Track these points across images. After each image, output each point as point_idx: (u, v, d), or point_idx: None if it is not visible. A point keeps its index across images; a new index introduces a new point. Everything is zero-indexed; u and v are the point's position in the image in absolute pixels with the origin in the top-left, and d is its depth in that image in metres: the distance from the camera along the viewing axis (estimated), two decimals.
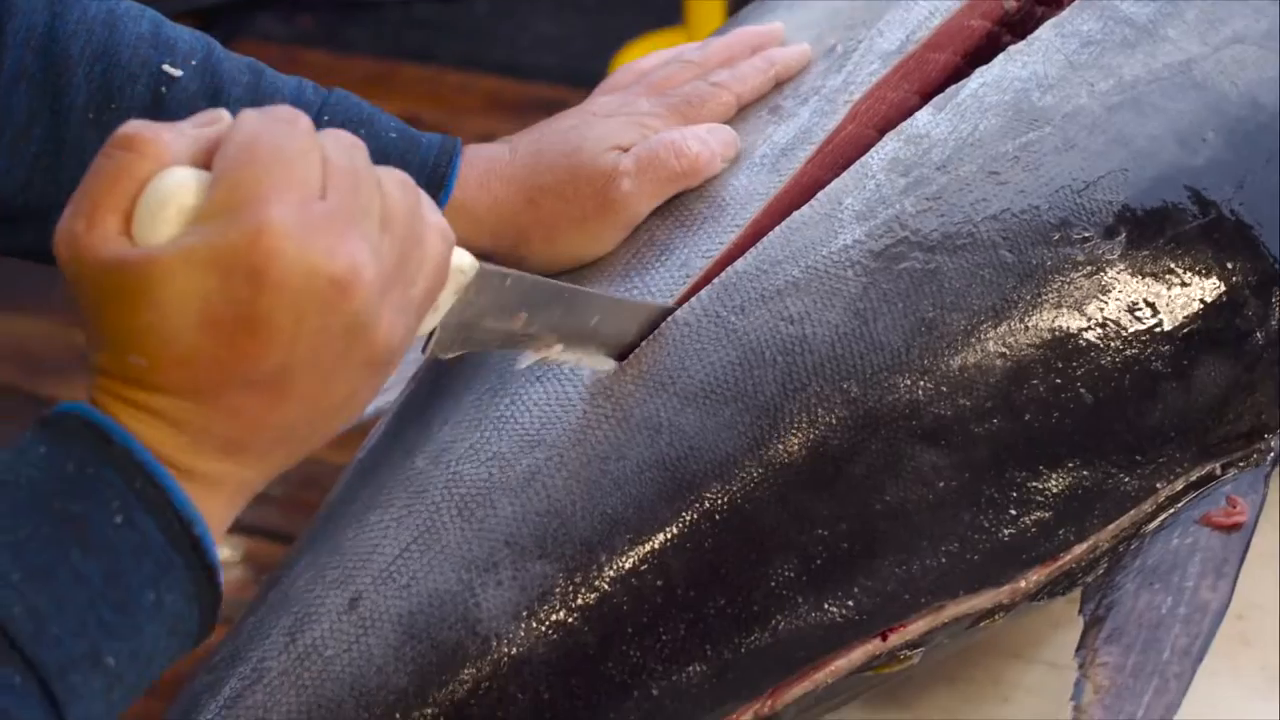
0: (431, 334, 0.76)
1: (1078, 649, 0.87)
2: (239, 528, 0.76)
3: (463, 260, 0.75)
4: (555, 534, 0.85)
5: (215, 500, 0.68)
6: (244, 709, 0.84)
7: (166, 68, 0.89)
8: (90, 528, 0.65)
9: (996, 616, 0.91)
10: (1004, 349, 0.89)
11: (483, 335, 0.79)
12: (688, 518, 0.85)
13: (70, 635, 0.63)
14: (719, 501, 0.85)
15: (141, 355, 0.65)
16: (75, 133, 0.88)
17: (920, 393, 0.88)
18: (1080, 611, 0.90)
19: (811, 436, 0.86)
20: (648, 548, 0.85)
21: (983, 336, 0.89)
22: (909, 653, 0.89)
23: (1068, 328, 0.90)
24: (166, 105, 0.89)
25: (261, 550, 1.84)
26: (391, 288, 0.69)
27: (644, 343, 0.89)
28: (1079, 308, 0.91)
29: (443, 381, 0.94)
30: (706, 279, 0.91)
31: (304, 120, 0.68)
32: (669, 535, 0.85)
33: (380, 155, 0.91)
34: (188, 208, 0.66)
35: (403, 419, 0.94)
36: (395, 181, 0.70)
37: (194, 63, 0.90)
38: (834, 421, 0.87)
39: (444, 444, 0.89)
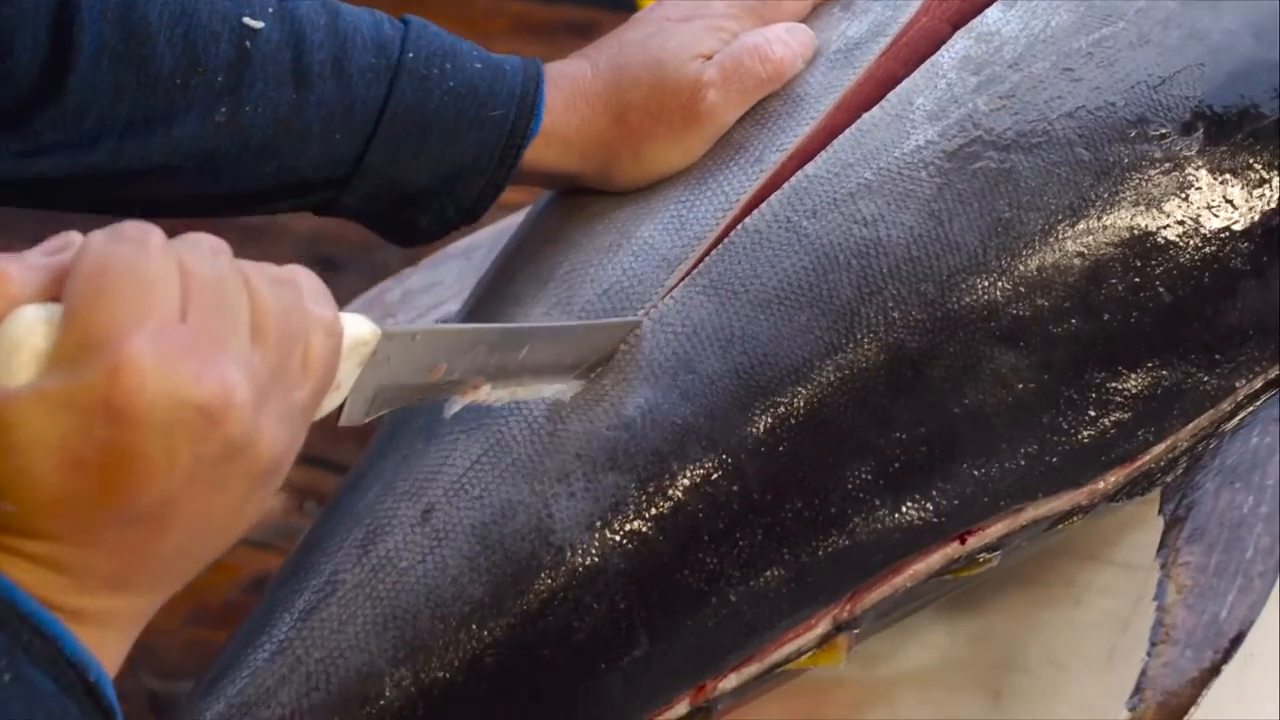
0: (341, 406, 0.73)
1: (1159, 549, 0.86)
2: None
3: (361, 331, 0.71)
4: (626, 446, 0.84)
5: (108, 636, 0.65)
6: (319, 621, 0.83)
7: (247, 20, 0.86)
8: None
9: (1074, 518, 0.90)
10: (1081, 248, 0.88)
11: (399, 394, 0.76)
12: (763, 424, 0.84)
13: None
14: (795, 407, 0.84)
15: (10, 501, 0.62)
16: (164, 101, 0.85)
17: (998, 294, 0.86)
18: (1160, 512, 0.89)
19: (888, 340, 0.85)
20: (722, 455, 0.84)
21: (1060, 236, 0.88)
22: (987, 555, 0.88)
23: (1145, 226, 0.89)
24: (252, 61, 0.86)
25: (301, 476, 1.84)
26: (269, 399, 0.65)
27: (714, 252, 0.87)
28: (1157, 205, 0.89)
29: (509, 285, 0.93)
30: (778, 179, 0.89)
31: (156, 236, 0.63)
32: (744, 442, 0.84)
33: (468, 90, 0.89)
34: (40, 350, 0.61)
35: (474, 321, 0.93)
36: (267, 280, 0.66)
37: (270, 10, 0.87)
38: (911, 324, 0.85)
39: None
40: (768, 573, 0.84)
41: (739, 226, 0.88)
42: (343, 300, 1.16)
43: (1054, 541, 0.96)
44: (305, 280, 0.69)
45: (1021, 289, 0.87)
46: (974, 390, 0.86)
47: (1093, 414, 0.88)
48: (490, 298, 0.94)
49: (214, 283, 0.64)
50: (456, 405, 0.81)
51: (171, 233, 0.65)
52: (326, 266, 2.10)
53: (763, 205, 0.89)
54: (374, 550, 0.84)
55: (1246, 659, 0.83)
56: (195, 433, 0.62)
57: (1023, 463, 0.87)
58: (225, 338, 0.63)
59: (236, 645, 0.85)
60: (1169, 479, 0.91)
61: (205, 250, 0.65)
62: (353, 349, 0.71)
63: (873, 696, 0.92)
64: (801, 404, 0.84)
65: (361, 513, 0.86)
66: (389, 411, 0.77)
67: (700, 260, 0.87)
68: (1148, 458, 0.90)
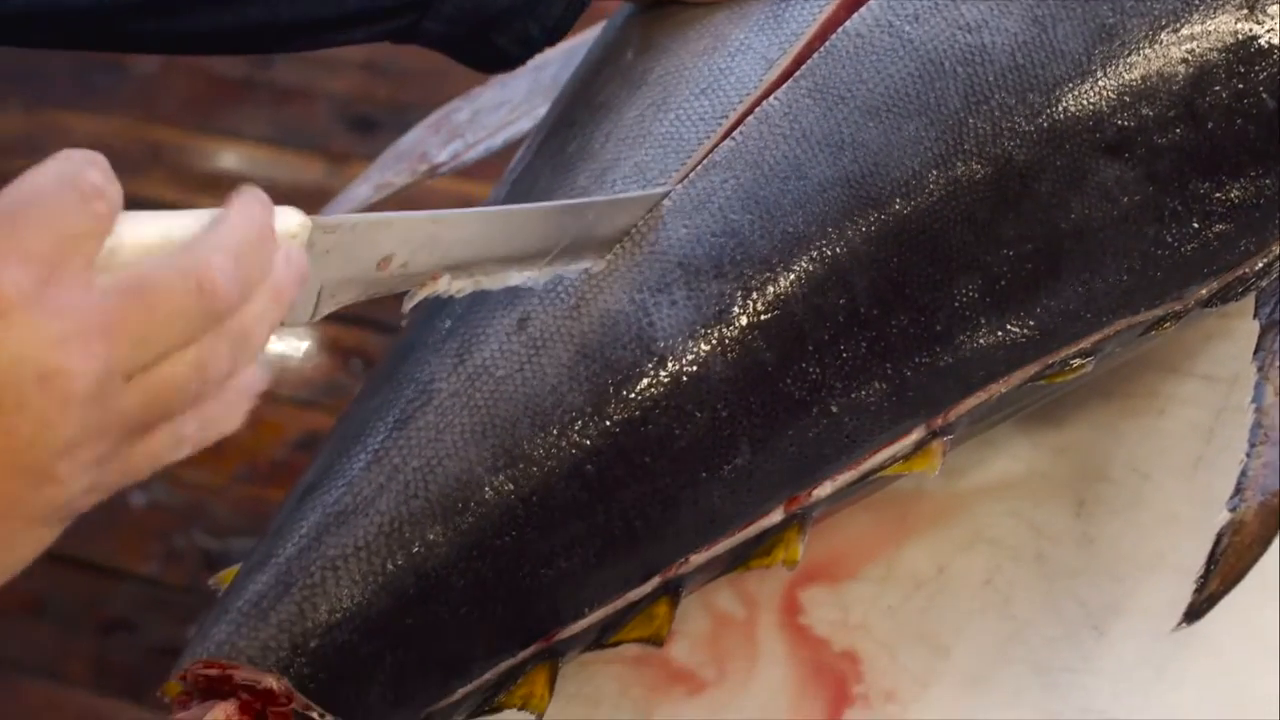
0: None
1: (1255, 352, 0.86)
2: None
3: (289, 224, 0.67)
4: (732, 254, 0.83)
5: None
6: (416, 430, 0.82)
7: None
8: None
9: (1167, 324, 0.90)
10: (1185, 55, 0.86)
11: (346, 290, 0.71)
12: (872, 235, 0.83)
13: None
14: (905, 219, 0.83)
15: None
16: None
17: (1103, 103, 0.85)
18: (1255, 316, 0.88)
19: (997, 152, 0.84)
20: (830, 265, 0.83)
21: (1164, 42, 0.86)
22: (1081, 361, 0.88)
23: (1249, 31, 0.87)
24: None
25: (348, 337, 1.83)
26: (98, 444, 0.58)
27: (816, 56, 0.85)
28: (1261, 8, 0.87)
29: (597, 94, 0.91)
30: None
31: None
32: (853, 252, 0.83)
33: None
34: None
35: (559, 134, 0.92)
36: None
37: None
38: (1018, 135, 0.84)
39: (607, 162, 0.87)
40: (870, 385, 0.84)
41: (839, 30, 0.86)
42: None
43: (1136, 354, 0.95)
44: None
45: (1126, 98, 0.86)
46: (1079, 204, 0.85)
47: (1196, 225, 0.87)
48: (577, 107, 0.93)
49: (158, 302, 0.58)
50: (415, 299, 0.76)
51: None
52: (361, 126, 2.09)
53: (862, 9, 0.87)
54: (470, 359, 0.83)
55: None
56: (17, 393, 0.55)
57: (1126, 277, 0.86)
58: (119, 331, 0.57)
59: (325, 459, 0.84)
60: (1264, 284, 0.90)
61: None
62: (283, 240, 0.66)
63: (957, 508, 0.93)
64: (911, 217, 0.83)
65: (455, 324, 0.85)
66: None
67: (801, 61, 0.86)
68: (1247, 266, 0.89)
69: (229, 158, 2.01)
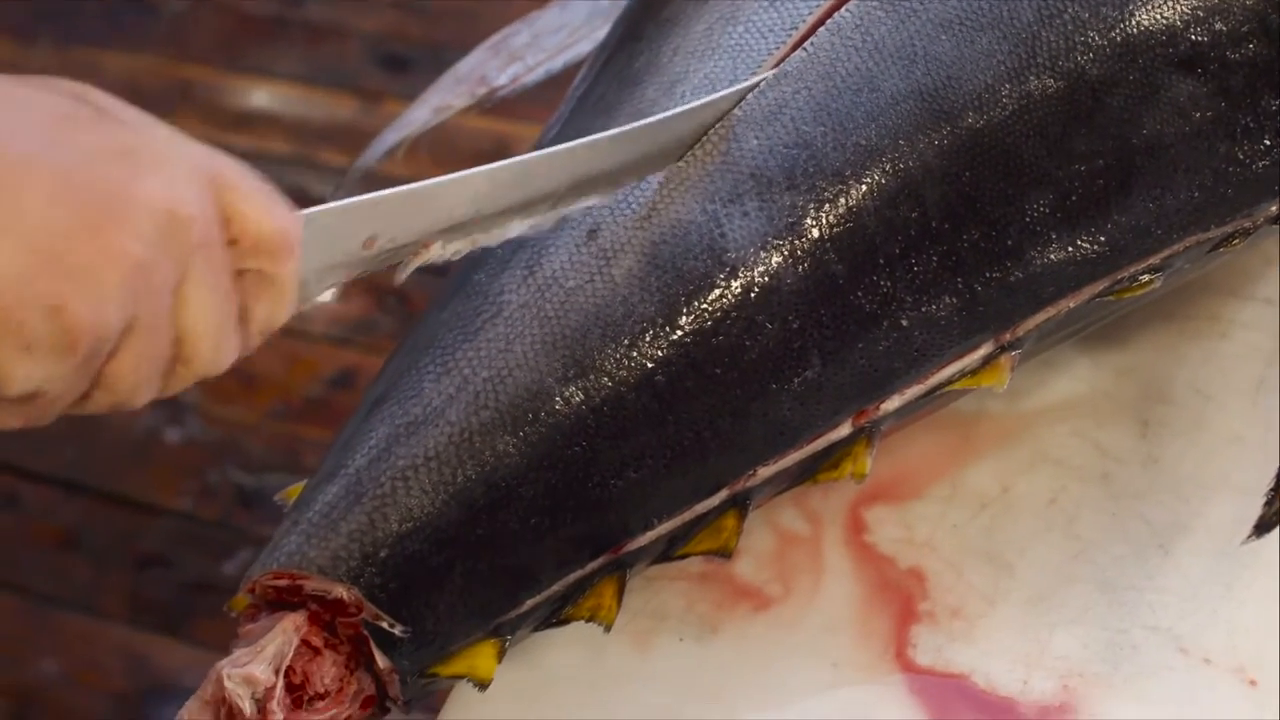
0: None
1: None
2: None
3: None
4: (804, 166, 0.82)
5: None
6: (485, 341, 0.82)
7: None
8: None
9: (1235, 241, 0.89)
10: None
11: (334, 274, 0.73)
12: (945, 148, 0.83)
13: None
14: (977, 133, 0.83)
15: None
16: None
17: (1176, 18, 0.85)
18: None
19: (1069, 66, 0.84)
20: (903, 178, 0.82)
21: None
22: (1150, 276, 0.88)
23: None
24: None
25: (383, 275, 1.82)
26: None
27: None
28: None
29: (663, 10, 0.91)
30: None
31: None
32: (925, 166, 0.83)
33: None
34: None
35: (624, 49, 0.91)
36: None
37: None
38: (1091, 49, 0.84)
39: (676, 75, 0.86)
40: (940, 299, 0.84)
41: None
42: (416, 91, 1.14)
43: (1197, 277, 0.95)
44: None
45: (1199, 13, 0.85)
46: (1152, 119, 0.85)
47: (1268, 142, 0.86)
48: (643, 23, 0.92)
49: None
50: (408, 269, 0.76)
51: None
52: (393, 65, 2.08)
53: None
54: (540, 271, 0.83)
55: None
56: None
57: (1197, 193, 0.86)
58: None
59: (394, 371, 0.84)
60: None
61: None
62: None
63: (1021, 429, 0.92)
64: (984, 131, 0.83)
65: (525, 236, 0.84)
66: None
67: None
68: None
69: (260, 96, 2.01)
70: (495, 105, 1.14)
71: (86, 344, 0.56)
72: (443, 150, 1.56)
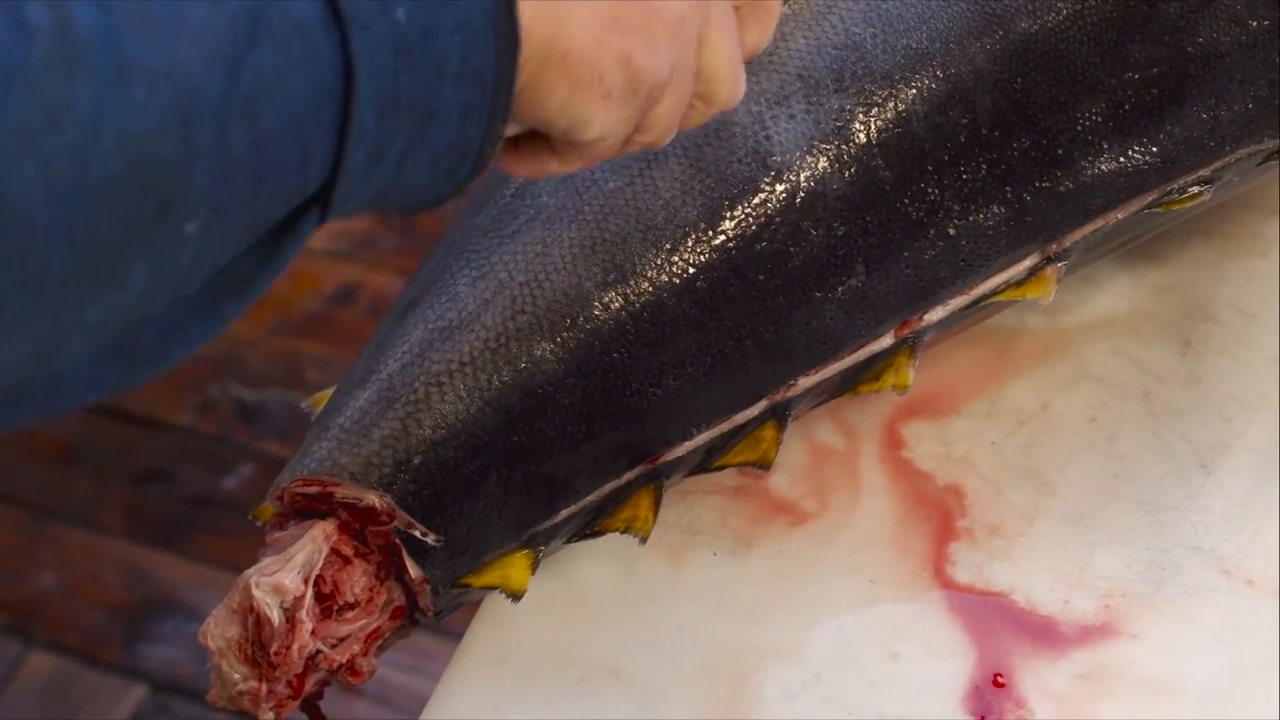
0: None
1: None
2: None
3: None
4: (853, 68, 0.80)
5: None
6: (521, 245, 0.80)
7: None
8: None
9: None
10: None
11: None
12: (997, 53, 0.81)
13: None
14: (1030, 38, 0.81)
15: None
16: None
17: None
18: None
19: None
20: (953, 83, 0.80)
21: None
22: (1200, 188, 0.86)
23: None
24: None
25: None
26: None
27: None
28: None
29: None
30: None
31: None
32: (976, 71, 0.81)
33: None
34: None
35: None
36: None
37: None
38: None
39: None
40: (988, 208, 0.82)
41: None
42: None
43: (1237, 196, 0.93)
44: None
45: None
46: (1207, 27, 0.83)
47: None
48: None
49: None
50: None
51: None
52: None
53: None
54: (578, 172, 0.81)
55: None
56: None
57: (1251, 105, 0.84)
58: None
59: (427, 275, 0.82)
60: None
61: None
62: None
63: (1061, 345, 0.91)
64: (1036, 36, 0.81)
65: None
66: None
67: None
68: None
69: None
70: None
71: (646, 89, 0.62)
72: None
